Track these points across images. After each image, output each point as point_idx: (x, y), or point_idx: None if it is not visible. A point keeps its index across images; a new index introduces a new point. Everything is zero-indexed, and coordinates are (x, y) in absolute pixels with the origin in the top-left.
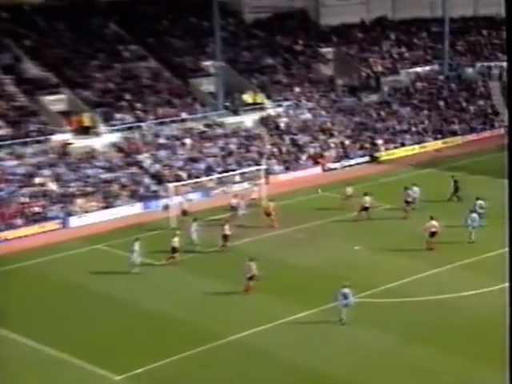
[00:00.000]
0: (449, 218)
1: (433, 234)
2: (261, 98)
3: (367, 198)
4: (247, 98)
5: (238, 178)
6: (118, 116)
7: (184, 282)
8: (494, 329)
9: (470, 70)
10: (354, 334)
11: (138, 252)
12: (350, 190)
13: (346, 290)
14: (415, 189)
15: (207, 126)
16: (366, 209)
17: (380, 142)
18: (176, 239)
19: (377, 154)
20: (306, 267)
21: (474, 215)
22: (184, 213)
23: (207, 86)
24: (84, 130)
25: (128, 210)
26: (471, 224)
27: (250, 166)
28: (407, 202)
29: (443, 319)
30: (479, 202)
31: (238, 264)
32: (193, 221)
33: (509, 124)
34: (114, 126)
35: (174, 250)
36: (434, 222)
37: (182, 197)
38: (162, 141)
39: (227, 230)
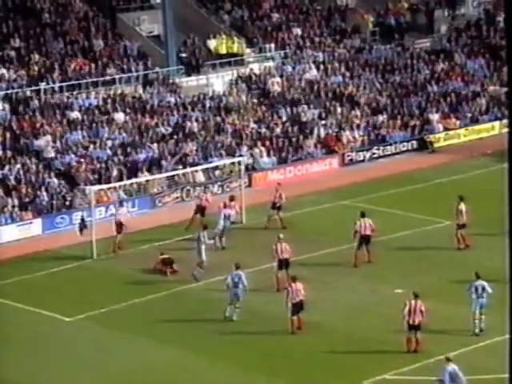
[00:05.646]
0: None
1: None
2: (238, 45)
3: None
4: (216, 45)
5: (202, 178)
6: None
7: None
8: None
9: None
10: None
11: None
12: None
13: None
14: None
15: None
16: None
17: (435, 117)
18: None
19: (430, 137)
20: (315, 322)
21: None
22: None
23: (148, 25)
24: None
25: (19, 232)
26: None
27: (221, 156)
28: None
29: None
30: None
31: None
32: (203, 228)
33: (509, 124)
34: None
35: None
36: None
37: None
38: (74, 115)
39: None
